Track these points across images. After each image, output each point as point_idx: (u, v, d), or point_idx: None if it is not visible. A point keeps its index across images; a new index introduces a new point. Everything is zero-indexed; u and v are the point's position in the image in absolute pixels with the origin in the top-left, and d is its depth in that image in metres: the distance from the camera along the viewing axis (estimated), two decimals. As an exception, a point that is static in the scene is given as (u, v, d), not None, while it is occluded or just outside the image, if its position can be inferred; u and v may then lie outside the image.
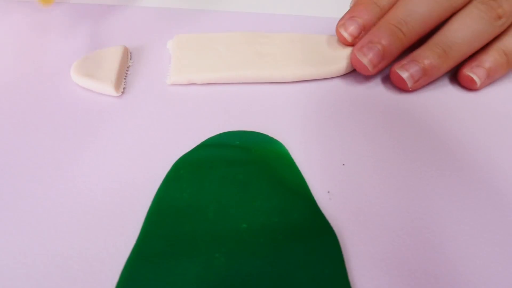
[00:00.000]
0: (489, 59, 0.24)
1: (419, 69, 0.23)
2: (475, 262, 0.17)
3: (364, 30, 0.25)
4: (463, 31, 0.23)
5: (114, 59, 0.24)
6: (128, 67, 0.25)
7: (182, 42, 0.26)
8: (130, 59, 0.26)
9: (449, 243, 0.18)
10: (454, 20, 0.24)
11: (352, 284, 0.16)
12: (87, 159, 0.20)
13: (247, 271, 0.16)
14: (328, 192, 0.19)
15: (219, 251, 0.17)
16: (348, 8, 0.26)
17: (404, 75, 0.24)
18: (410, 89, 0.24)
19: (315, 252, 0.17)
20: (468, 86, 0.25)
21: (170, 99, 0.23)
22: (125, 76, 0.25)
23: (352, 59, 0.24)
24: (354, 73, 0.26)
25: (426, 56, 0.23)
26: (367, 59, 0.24)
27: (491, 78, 0.25)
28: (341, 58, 0.25)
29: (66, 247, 0.17)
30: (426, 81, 0.24)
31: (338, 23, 0.26)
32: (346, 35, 0.25)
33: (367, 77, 0.25)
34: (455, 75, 0.26)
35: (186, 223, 0.18)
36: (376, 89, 0.25)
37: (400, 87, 0.24)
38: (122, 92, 0.24)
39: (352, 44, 0.25)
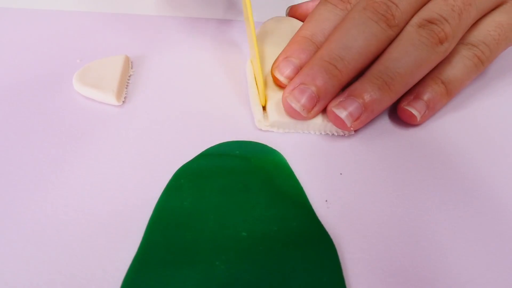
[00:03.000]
0: (427, 90, 0.22)
1: (358, 105, 0.21)
2: (472, 270, 0.18)
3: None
4: (404, 60, 0.21)
5: (116, 69, 0.25)
6: (129, 76, 0.26)
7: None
8: (132, 68, 0.26)
9: (445, 251, 0.18)
10: (394, 48, 0.21)
11: (349, 292, 0.17)
12: (89, 167, 0.20)
13: (247, 279, 0.16)
14: (326, 201, 0.20)
15: (220, 259, 0.17)
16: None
17: (342, 114, 0.21)
18: (351, 128, 0.21)
19: (313, 260, 0.17)
20: (408, 120, 0.23)
21: (171, 108, 0.24)
22: (127, 85, 0.25)
23: (284, 103, 0.22)
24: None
25: (365, 90, 0.21)
26: (299, 105, 0.21)
27: (432, 110, 0.23)
28: None
29: (68, 255, 0.17)
30: (368, 117, 0.21)
31: (272, 66, 0.23)
32: (282, 78, 0.23)
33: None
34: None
35: (186, 231, 0.18)
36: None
37: (339, 127, 0.22)
38: (123, 101, 0.24)
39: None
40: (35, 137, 0.22)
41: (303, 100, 0.21)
